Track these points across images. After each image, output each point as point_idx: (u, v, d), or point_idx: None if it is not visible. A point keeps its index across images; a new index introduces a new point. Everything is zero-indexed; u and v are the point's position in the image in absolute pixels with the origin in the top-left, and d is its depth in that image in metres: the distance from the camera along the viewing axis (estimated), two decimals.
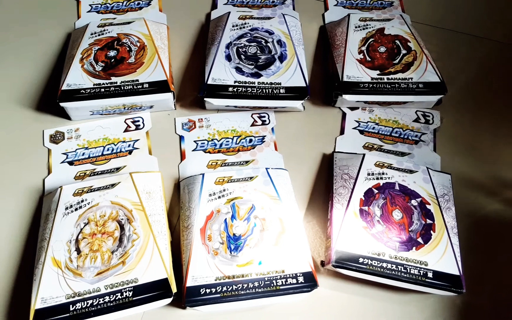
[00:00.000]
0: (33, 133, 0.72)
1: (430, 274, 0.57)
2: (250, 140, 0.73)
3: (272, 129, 0.74)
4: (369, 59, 0.75)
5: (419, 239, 0.60)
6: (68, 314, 0.54)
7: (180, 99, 0.77)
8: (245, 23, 0.80)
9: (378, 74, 0.73)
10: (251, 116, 0.75)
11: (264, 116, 0.75)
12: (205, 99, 0.71)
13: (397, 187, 0.65)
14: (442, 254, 0.59)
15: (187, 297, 0.56)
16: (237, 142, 0.72)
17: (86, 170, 0.69)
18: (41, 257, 0.58)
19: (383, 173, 0.66)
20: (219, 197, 0.64)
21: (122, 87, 0.69)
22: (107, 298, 0.55)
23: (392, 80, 0.72)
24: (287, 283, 0.57)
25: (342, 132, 0.75)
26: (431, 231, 0.61)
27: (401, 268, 0.58)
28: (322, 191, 0.69)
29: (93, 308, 0.54)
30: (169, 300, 0.56)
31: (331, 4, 0.89)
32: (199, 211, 0.62)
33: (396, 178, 0.65)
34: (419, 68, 0.74)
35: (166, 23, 0.83)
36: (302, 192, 0.69)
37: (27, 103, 0.75)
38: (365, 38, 0.78)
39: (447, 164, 0.71)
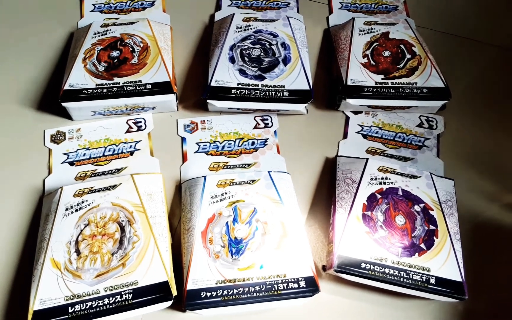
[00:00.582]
0: (34, 132, 0.72)
1: (432, 280, 0.57)
2: (253, 143, 0.72)
3: (275, 132, 0.74)
4: (374, 63, 0.75)
5: (422, 245, 0.60)
6: (66, 316, 0.54)
7: (183, 101, 0.76)
8: (249, 25, 0.79)
9: (382, 78, 0.73)
10: (254, 118, 0.75)
11: (267, 119, 0.75)
12: (208, 101, 0.71)
13: (400, 192, 0.64)
14: (445, 260, 0.59)
15: (188, 300, 0.55)
16: (240, 145, 0.72)
17: (87, 171, 0.69)
18: (40, 258, 0.58)
19: (386, 178, 0.65)
20: (221, 199, 0.63)
21: (125, 88, 0.69)
22: (106, 301, 0.54)
23: (396, 85, 0.72)
24: (288, 287, 0.56)
25: (345, 136, 0.74)
26: (434, 237, 0.60)
27: (403, 274, 0.57)
28: (324, 195, 0.69)
29: (92, 310, 0.54)
30: (169, 303, 0.55)
31: (336, 7, 0.88)
32: (201, 213, 0.62)
33: (399, 183, 0.65)
34: (423, 73, 0.73)
35: (169, 24, 0.83)
36: (304, 195, 0.69)
37: (28, 103, 0.74)
38: (369, 42, 0.78)
39: (451, 169, 0.71)
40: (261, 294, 0.56)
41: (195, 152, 0.71)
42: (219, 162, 0.70)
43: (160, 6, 0.86)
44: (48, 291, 0.55)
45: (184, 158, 0.71)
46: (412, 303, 0.61)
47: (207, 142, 0.72)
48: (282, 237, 0.60)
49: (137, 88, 0.69)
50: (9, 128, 0.72)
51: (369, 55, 0.76)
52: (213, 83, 0.71)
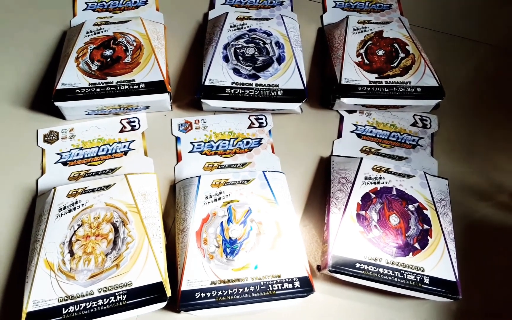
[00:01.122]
0: (27, 132, 0.71)
1: (426, 280, 0.57)
2: (247, 142, 0.72)
3: (270, 131, 0.74)
4: (367, 62, 0.75)
5: (416, 245, 0.60)
6: (60, 317, 0.53)
7: (177, 100, 0.76)
8: (243, 24, 0.79)
9: (376, 77, 0.73)
10: (248, 118, 0.74)
11: (262, 118, 0.75)
12: (202, 100, 0.70)
13: (394, 192, 0.64)
14: (439, 260, 0.59)
15: (182, 301, 0.55)
16: (234, 144, 0.72)
17: (81, 171, 0.68)
18: (34, 259, 0.57)
19: (380, 178, 0.66)
20: (215, 200, 0.63)
21: (118, 87, 0.69)
22: (100, 302, 0.54)
23: (390, 84, 0.72)
24: (283, 287, 0.56)
25: (339, 135, 0.74)
26: (428, 237, 0.61)
27: (397, 274, 0.57)
28: (319, 194, 0.69)
29: (86, 312, 0.54)
30: (163, 304, 0.55)
31: (330, 6, 0.88)
32: (195, 214, 0.62)
33: (393, 183, 0.65)
34: (417, 71, 0.73)
35: (163, 22, 0.83)
36: (299, 195, 0.69)
37: (21, 102, 0.74)
38: (363, 41, 0.78)
39: (444, 168, 0.71)
40: (255, 295, 0.56)
41: (189, 152, 0.71)
42: (214, 162, 0.70)
43: (154, 5, 0.85)
44: (41, 292, 0.55)
45: (179, 157, 0.71)
46: (406, 303, 0.61)
47: (202, 141, 0.72)
48: (276, 237, 0.60)
49: (131, 87, 0.69)
50: (2, 128, 0.71)
51: (363, 54, 0.76)
52: (207, 82, 0.71)
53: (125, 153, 0.70)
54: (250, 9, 0.84)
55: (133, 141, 0.71)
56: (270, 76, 0.72)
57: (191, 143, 0.72)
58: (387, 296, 0.61)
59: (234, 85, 0.71)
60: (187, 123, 0.74)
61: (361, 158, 0.68)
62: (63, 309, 0.54)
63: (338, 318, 0.60)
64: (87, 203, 0.62)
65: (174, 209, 0.66)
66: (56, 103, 0.67)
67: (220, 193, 0.64)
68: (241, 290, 0.56)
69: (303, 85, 0.71)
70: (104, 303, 0.54)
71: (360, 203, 0.63)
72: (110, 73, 0.70)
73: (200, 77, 0.72)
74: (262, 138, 0.73)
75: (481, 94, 0.80)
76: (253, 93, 0.70)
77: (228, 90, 0.70)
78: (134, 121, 0.73)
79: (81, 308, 0.54)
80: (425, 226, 0.62)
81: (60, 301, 0.54)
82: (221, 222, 0.61)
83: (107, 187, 0.63)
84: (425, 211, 0.63)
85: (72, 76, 0.69)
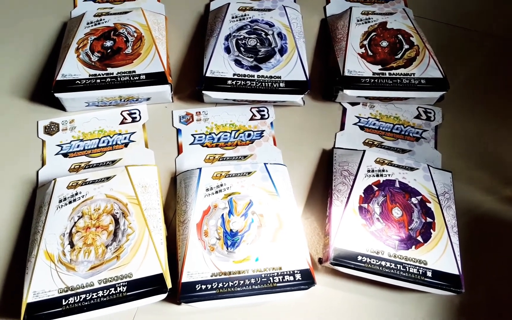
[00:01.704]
0: (27, 124, 0.71)
1: (429, 273, 0.57)
2: (249, 135, 0.72)
3: (271, 123, 0.73)
4: (371, 54, 0.74)
5: (419, 238, 0.59)
6: (60, 308, 0.53)
7: (178, 92, 0.75)
8: (245, 15, 0.78)
9: (379, 69, 0.72)
10: (250, 110, 0.74)
11: (263, 110, 0.74)
12: (203, 92, 0.70)
13: (397, 185, 0.64)
14: (442, 253, 0.58)
15: (182, 293, 0.55)
16: (235, 137, 0.71)
17: (81, 163, 0.68)
18: (34, 250, 0.57)
19: (383, 170, 0.65)
20: (216, 192, 0.63)
21: (119, 78, 0.68)
22: (100, 293, 0.54)
23: (394, 76, 0.71)
24: (284, 280, 0.56)
25: (342, 127, 0.74)
26: (431, 230, 0.60)
27: (400, 267, 0.57)
28: (321, 187, 0.68)
29: (86, 303, 0.53)
30: (163, 295, 0.55)
31: None
32: (196, 206, 0.61)
33: (396, 176, 0.64)
34: (421, 63, 0.72)
35: (164, 13, 0.82)
36: (300, 188, 0.68)
37: (21, 93, 0.73)
38: (367, 32, 0.77)
39: (448, 161, 0.70)
40: (256, 287, 0.55)
41: (190, 144, 0.71)
42: (215, 154, 0.70)
43: None
44: (41, 283, 0.55)
45: (180, 150, 0.70)
46: (409, 296, 0.61)
47: (203, 133, 0.71)
48: (278, 230, 0.59)
49: (131, 78, 0.68)
50: (2, 119, 0.71)
51: (367, 45, 0.75)
52: (208, 74, 0.70)
53: (126, 145, 0.70)
54: (252, 0, 0.83)
55: (134, 132, 0.71)
56: (272, 67, 0.71)
57: (192, 135, 0.71)
58: (390, 289, 0.61)
59: (235, 76, 0.70)
60: (188, 115, 0.73)
61: (364, 151, 0.67)
62: (63, 300, 0.53)
63: (339, 311, 0.60)
64: (88, 195, 0.61)
65: (175, 201, 0.66)
66: (56, 94, 0.67)
67: (221, 185, 0.63)
68: (242, 282, 0.56)
69: (305, 77, 0.71)
70: (104, 294, 0.54)
71: (363, 195, 0.63)
72: (111, 64, 0.70)
73: (201, 68, 0.71)
74: (263, 130, 0.72)
75: (486, 86, 0.79)
76: (254, 84, 0.70)
77: (229, 82, 0.70)
78: (135, 113, 0.72)
79: (81, 299, 0.54)
80: (428, 219, 0.61)
81: (60, 292, 0.54)
82: (222, 214, 0.61)
83: (108, 178, 0.63)
84: (428, 204, 0.62)
85: (72, 67, 0.69)
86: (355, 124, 0.74)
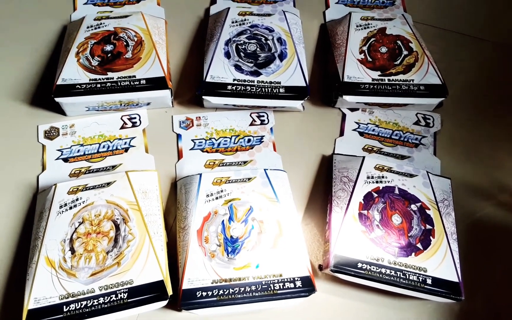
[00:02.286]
0: (27, 128, 0.71)
1: (429, 281, 0.57)
2: (249, 140, 0.72)
3: (271, 129, 0.73)
4: (370, 60, 0.74)
5: (419, 245, 0.60)
6: (61, 315, 0.53)
7: (178, 97, 0.75)
8: (245, 20, 0.78)
9: (379, 75, 0.72)
10: (250, 115, 0.74)
11: (263, 116, 0.74)
12: (203, 97, 0.70)
13: (396, 191, 0.64)
14: (441, 260, 0.59)
15: (183, 300, 0.55)
16: (235, 142, 0.71)
17: (81, 168, 0.68)
18: (35, 256, 0.57)
19: (382, 177, 0.65)
20: (217, 198, 0.63)
21: (119, 83, 0.68)
22: (101, 300, 0.54)
23: (393, 82, 0.72)
24: (284, 287, 0.56)
25: (341, 133, 0.74)
26: (431, 237, 0.60)
27: (400, 274, 0.57)
28: (321, 193, 0.69)
29: (87, 310, 0.53)
30: (164, 302, 0.55)
31: (332, 2, 0.87)
32: (196, 212, 0.61)
33: (396, 182, 0.65)
34: (420, 69, 0.73)
35: (164, 17, 0.82)
36: (300, 194, 0.68)
37: (21, 98, 0.73)
38: (366, 38, 0.77)
39: (447, 168, 0.71)
40: (257, 294, 0.56)
41: (190, 149, 0.71)
42: (215, 160, 0.70)
43: None
44: (42, 289, 0.55)
45: (180, 155, 0.70)
46: (409, 303, 0.61)
47: (203, 139, 0.72)
48: (278, 236, 0.60)
49: (131, 83, 0.68)
50: (2, 124, 0.71)
51: (366, 51, 0.76)
52: (208, 79, 0.70)
53: (126, 150, 0.70)
54: (252, 5, 0.83)
55: (134, 137, 0.71)
56: (272, 73, 0.72)
57: (192, 140, 0.71)
58: (389, 297, 0.61)
59: (235, 82, 0.70)
60: (188, 120, 0.73)
61: (363, 157, 0.67)
62: (64, 306, 0.54)
63: (339, 318, 0.60)
64: (88, 200, 0.61)
65: (175, 207, 0.66)
66: (57, 99, 0.67)
67: (222, 191, 0.64)
68: (242, 289, 0.56)
69: (305, 83, 0.71)
70: (105, 301, 0.54)
71: (362, 202, 0.63)
72: (111, 68, 0.69)
73: (201, 73, 0.71)
74: (263, 136, 0.72)
75: (485, 93, 0.79)
76: (254, 90, 0.70)
77: (229, 87, 0.70)
78: (135, 118, 0.72)
79: (82, 306, 0.54)
80: (428, 226, 0.61)
81: (61, 298, 0.54)
82: (222, 221, 0.61)
83: (108, 184, 0.63)
84: (427, 211, 0.63)
85: (72, 71, 0.69)
86: (354, 130, 0.74)
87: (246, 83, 0.70)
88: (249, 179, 0.65)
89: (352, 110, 0.76)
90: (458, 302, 0.57)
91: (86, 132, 0.71)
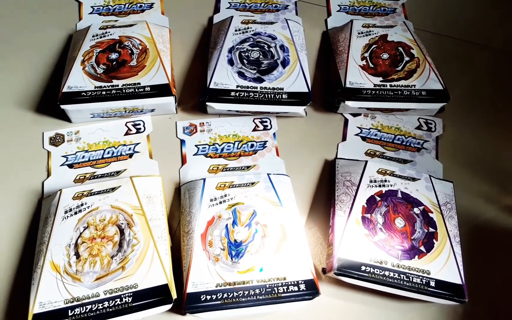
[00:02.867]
0: (33, 135, 0.71)
1: (432, 283, 0.57)
2: (252, 145, 0.72)
3: (274, 134, 0.74)
4: (372, 66, 0.75)
5: (422, 248, 0.60)
6: (66, 319, 0.53)
7: (182, 103, 0.76)
8: (248, 28, 0.79)
9: (381, 81, 0.73)
10: (253, 121, 0.75)
11: (266, 121, 0.75)
12: (206, 103, 0.70)
13: (399, 195, 0.64)
14: (445, 263, 0.59)
15: (188, 303, 0.55)
16: (239, 147, 0.72)
17: (86, 173, 0.68)
18: (40, 261, 0.57)
19: (385, 181, 0.65)
20: (220, 202, 0.63)
21: (124, 90, 0.69)
22: (106, 304, 0.54)
23: (394, 87, 0.72)
24: (288, 290, 0.56)
25: (344, 138, 0.75)
26: (434, 240, 0.61)
27: (403, 277, 0.57)
28: (323, 197, 0.69)
29: (92, 314, 0.54)
30: (169, 306, 0.55)
31: (334, 10, 0.88)
32: (200, 216, 0.62)
33: (398, 186, 0.65)
34: (422, 75, 0.73)
35: (168, 26, 0.83)
36: (303, 198, 0.69)
37: (27, 105, 0.74)
38: (368, 45, 0.78)
39: (449, 172, 0.71)
40: (261, 297, 0.56)
41: (194, 155, 0.71)
42: (219, 165, 0.70)
43: (159, 9, 0.86)
44: (47, 294, 0.55)
45: (183, 160, 0.71)
46: (412, 306, 0.61)
47: (206, 144, 0.72)
48: (281, 240, 0.60)
49: (136, 90, 0.69)
50: (8, 131, 0.72)
51: (368, 57, 0.76)
52: (212, 86, 0.71)
53: (130, 155, 0.71)
54: (255, 13, 0.84)
55: (138, 143, 0.72)
56: (274, 79, 0.72)
57: (196, 146, 0.72)
58: (393, 299, 0.61)
59: (239, 88, 0.71)
60: (192, 126, 0.74)
61: (366, 161, 0.68)
62: (69, 311, 0.54)
63: None
64: (93, 205, 0.62)
65: (179, 212, 0.66)
66: (62, 106, 0.68)
67: (225, 195, 0.64)
68: (246, 292, 0.56)
69: (307, 89, 0.72)
70: (110, 305, 0.54)
71: (365, 206, 0.63)
72: (116, 76, 0.70)
73: (205, 80, 0.72)
74: (266, 141, 0.73)
75: (486, 98, 0.80)
76: (257, 96, 0.70)
77: (232, 93, 0.71)
78: (139, 124, 0.73)
79: (87, 310, 0.54)
80: (431, 229, 0.61)
81: (66, 303, 0.54)
82: (226, 225, 0.61)
83: (113, 189, 0.63)
84: (430, 214, 0.63)
85: (78, 79, 0.70)
86: (356, 134, 0.75)
87: (249, 89, 0.71)
88: (252, 183, 0.65)
89: (354, 115, 0.76)
90: (462, 304, 0.57)
91: (91, 138, 0.71)
